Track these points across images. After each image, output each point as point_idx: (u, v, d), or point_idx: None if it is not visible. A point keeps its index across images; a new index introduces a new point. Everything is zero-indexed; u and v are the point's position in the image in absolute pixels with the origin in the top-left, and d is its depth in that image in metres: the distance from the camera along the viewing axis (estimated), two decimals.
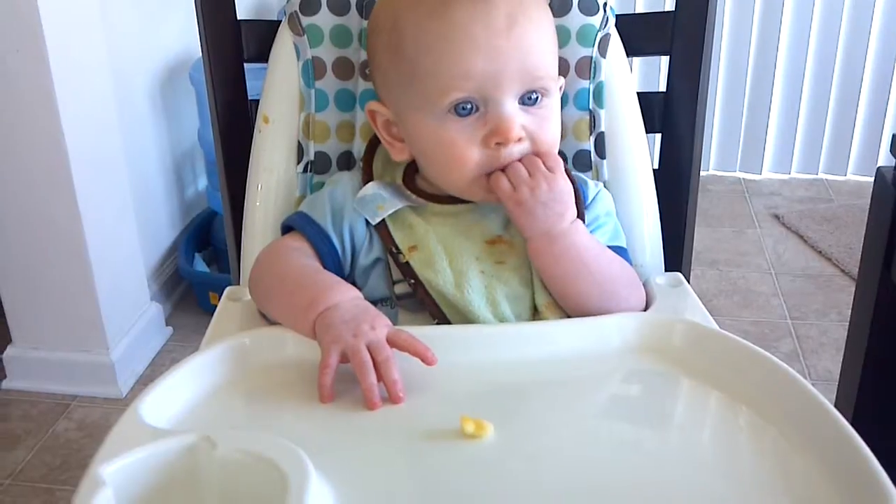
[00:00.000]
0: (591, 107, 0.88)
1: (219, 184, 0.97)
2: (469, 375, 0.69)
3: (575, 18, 0.87)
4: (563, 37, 0.86)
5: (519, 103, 0.75)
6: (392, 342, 0.67)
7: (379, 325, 0.68)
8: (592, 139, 0.89)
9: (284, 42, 0.88)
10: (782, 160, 2.77)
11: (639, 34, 0.93)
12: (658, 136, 0.96)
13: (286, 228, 0.83)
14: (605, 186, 0.88)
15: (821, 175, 2.76)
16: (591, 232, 0.81)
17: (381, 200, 0.79)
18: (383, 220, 0.79)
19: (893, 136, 1.11)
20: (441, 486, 0.58)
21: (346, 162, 0.89)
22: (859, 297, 1.09)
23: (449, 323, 0.77)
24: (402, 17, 0.76)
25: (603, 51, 0.88)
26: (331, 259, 0.79)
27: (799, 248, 2.32)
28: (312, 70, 0.87)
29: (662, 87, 0.95)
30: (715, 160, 2.80)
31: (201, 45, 0.91)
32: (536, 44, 0.75)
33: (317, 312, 0.70)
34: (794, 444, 0.60)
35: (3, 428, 1.64)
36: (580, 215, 0.81)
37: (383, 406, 0.64)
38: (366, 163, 0.84)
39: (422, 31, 0.74)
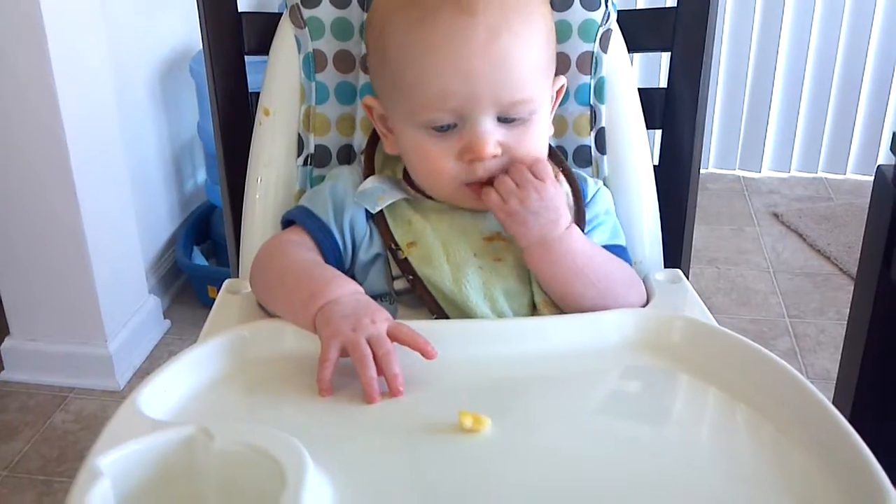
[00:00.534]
0: (591, 102, 0.88)
1: (218, 177, 0.97)
2: (468, 370, 0.69)
3: (577, 13, 0.87)
4: (564, 32, 0.86)
5: (497, 120, 0.75)
6: (392, 336, 0.67)
7: (379, 319, 0.68)
8: (593, 134, 0.89)
9: (285, 35, 0.88)
10: (782, 158, 2.77)
11: (640, 30, 0.93)
12: (658, 133, 0.96)
13: (287, 223, 0.83)
14: (605, 182, 0.88)
15: (820, 174, 2.76)
16: (590, 230, 0.81)
17: (381, 192, 0.80)
18: (383, 216, 0.79)
19: (894, 134, 1.11)
20: (439, 479, 0.58)
21: (346, 155, 0.89)
22: (858, 296, 1.09)
23: (448, 318, 0.77)
24: (389, 24, 0.76)
25: (604, 46, 0.88)
26: (332, 253, 0.79)
27: (798, 246, 2.32)
28: (313, 63, 0.87)
29: (663, 84, 0.95)
30: (714, 158, 2.79)
31: (202, 38, 0.91)
32: (518, 62, 0.74)
33: (317, 306, 0.70)
34: (792, 441, 0.60)
35: (1, 419, 1.64)
36: (580, 213, 0.80)
37: (382, 400, 0.64)
38: (367, 156, 0.84)
39: (405, 44, 0.74)
